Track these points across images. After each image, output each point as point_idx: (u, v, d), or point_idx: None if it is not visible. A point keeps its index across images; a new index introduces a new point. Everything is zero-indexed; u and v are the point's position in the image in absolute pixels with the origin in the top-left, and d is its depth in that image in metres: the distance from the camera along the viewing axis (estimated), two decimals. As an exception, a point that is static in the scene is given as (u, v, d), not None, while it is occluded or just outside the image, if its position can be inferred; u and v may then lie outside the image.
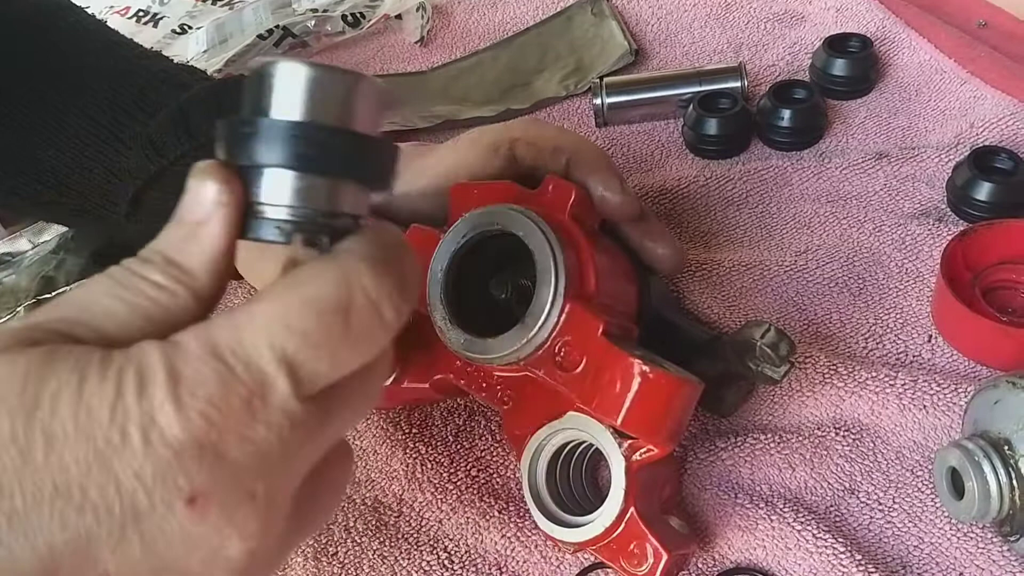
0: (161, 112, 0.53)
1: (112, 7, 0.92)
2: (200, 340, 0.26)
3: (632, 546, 0.39)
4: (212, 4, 0.91)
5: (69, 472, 0.24)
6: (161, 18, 0.89)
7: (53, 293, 0.59)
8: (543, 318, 0.40)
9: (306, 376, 0.26)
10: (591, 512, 0.40)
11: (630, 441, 0.39)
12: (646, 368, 0.37)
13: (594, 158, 0.47)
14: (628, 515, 0.39)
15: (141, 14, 0.90)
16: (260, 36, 0.79)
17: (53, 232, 0.67)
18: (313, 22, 0.80)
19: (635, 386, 0.37)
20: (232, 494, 0.26)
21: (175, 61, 0.60)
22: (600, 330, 0.39)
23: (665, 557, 0.38)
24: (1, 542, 0.24)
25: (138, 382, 0.25)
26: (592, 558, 0.43)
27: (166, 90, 0.55)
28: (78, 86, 0.55)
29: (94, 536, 0.25)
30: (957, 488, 0.40)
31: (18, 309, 0.58)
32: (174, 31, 0.87)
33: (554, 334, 0.40)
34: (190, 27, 0.87)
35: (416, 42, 0.80)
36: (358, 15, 0.81)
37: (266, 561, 0.29)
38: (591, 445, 0.41)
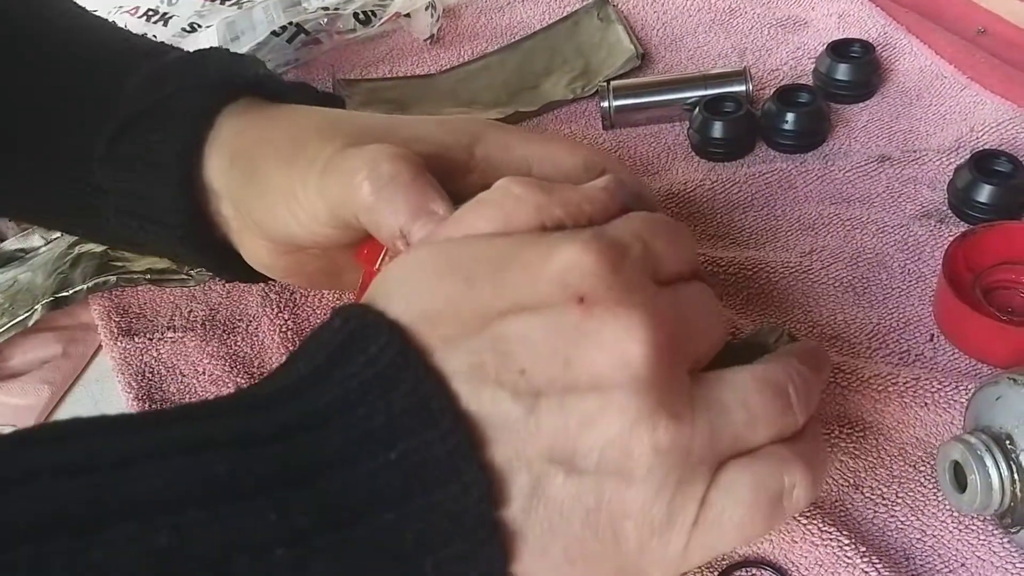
0: (163, 55, 0.50)
1: (121, 7, 0.92)
2: None
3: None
4: (221, 3, 0.91)
5: None
6: (171, 17, 0.90)
7: (71, 291, 0.58)
8: None
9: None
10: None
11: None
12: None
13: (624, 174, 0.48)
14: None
15: (151, 13, 0.91)
16: (274, 33, 0.80)
17: (66, 228, 0.67)
18: (326, 19, 0.81)
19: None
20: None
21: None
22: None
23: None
24: None
25: None
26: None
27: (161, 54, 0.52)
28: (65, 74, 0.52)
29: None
30: (960, 481, 0.41)
31: (36, 307, 0.58)
32: (184, 30, 0.88)
33: None
34: (199, 26, 0.88)
35: (426, 39, 0.81)
36: (369, 13, 0.82)
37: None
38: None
